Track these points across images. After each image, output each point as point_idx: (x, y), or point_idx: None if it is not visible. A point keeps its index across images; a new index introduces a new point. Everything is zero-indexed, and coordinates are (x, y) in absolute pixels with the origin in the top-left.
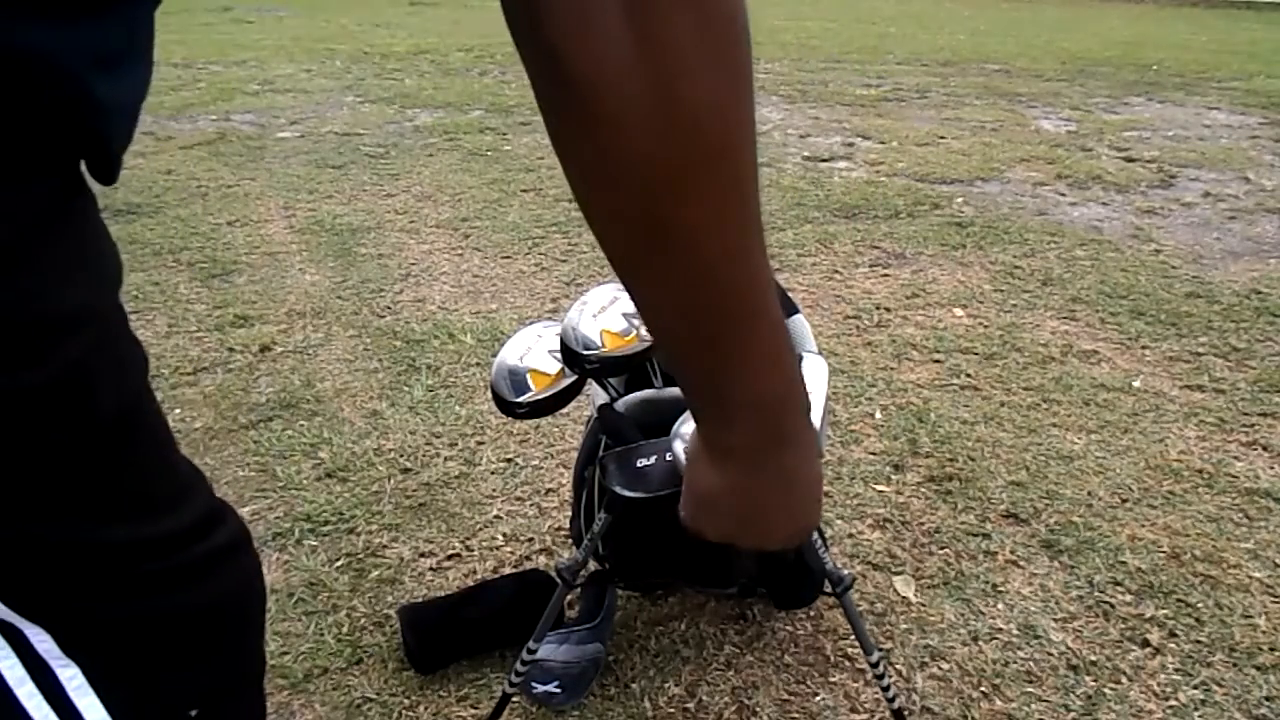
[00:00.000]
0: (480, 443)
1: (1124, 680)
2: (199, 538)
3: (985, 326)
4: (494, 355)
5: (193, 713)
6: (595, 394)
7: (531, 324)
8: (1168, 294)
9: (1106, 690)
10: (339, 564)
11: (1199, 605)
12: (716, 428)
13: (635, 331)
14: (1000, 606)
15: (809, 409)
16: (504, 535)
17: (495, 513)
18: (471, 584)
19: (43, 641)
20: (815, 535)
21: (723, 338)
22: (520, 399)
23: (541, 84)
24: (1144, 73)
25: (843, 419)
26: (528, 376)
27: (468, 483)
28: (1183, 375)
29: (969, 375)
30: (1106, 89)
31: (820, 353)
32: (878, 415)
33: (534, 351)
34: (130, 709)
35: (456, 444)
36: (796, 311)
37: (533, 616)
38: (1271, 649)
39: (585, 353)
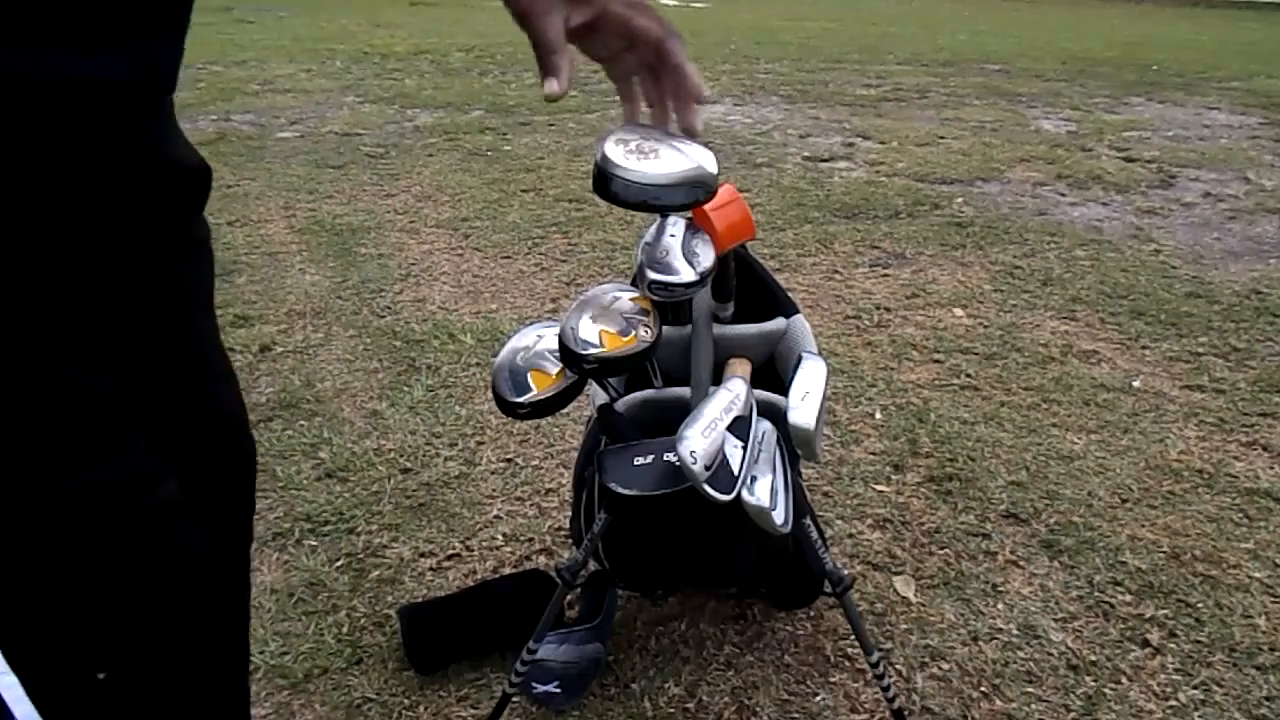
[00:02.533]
0: (480, 443)
1: (1124, 680)
2: (128, 492)
3: (985, 326)
4: (494, 355)
5: (100, 675)
6: (595, 394)
7: (532, 324)
8: (1168, 294)
9: (1106, 690)
10: (339, 564)
11: (1199, 605)
12: None
13: (634, 332)
14: (1000, 606)
15: None
16: (504, 535)
17: (495, 513)
18: (471, 584)
19: None
20: (815, 535)
21: None
22: (522, 399)
23: None
24: (1144, 73)
25: (843, 419)
26: (529, 376)
27: (468, 483)
28: (1183, 375)
29: (969, 375)
30: (1106, 89)
31: (820, 353)
32: (878, 415)
33: (535, 351)
34: (32, 661)
35: (456, 444)
36: (796, 311)
37: (533, 616)
38: (1271, 649)
39: (584, 353)
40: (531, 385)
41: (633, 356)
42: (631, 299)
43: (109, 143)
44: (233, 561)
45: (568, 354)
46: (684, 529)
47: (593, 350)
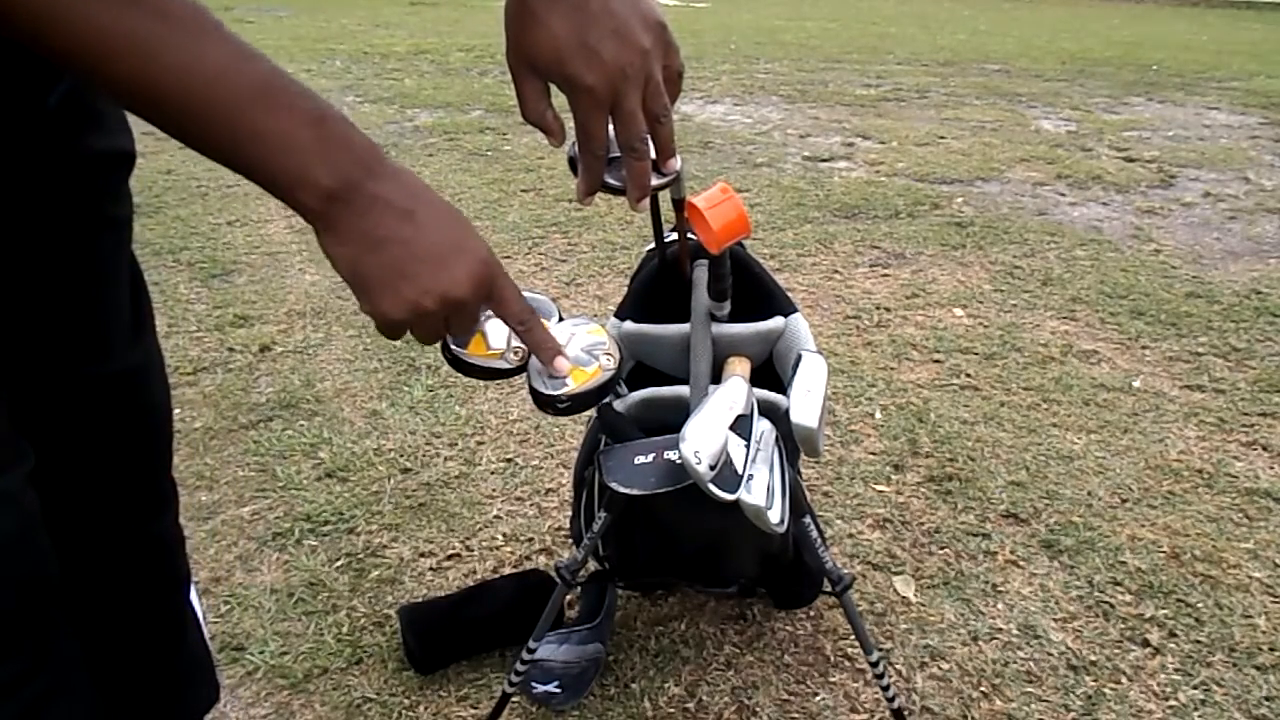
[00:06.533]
0: (480, 443)
1: (1124, 680)
2: None
3: (985, 326)
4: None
5: None
6: None
7: (562, 321)
8: (1168, 294)
9: (1106, 690)
10: (339, 564)
11: (1199, 605)
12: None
13: (596, 363)
14: (1000, 606)
15: (348, 166)
16: (504, 535)
17: (495, 513)
18: (471, 584)
19: None
20: (815, 534)
21: (129, 92)
22: (560, 393)
23: None
24: (1144, 73)
25: (843, 419)
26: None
27: (468, 483)
28: (1183, 375)
29: (969, 375)
30: (1106, 89)
31: (820, 352)
32: (878, 415)
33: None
34: None
35: (456, 444)
36: (795, 310)
37: (533, 616)
38: (1271, 649)
39: (556, 394)
40: (568, 380)
41: (601, 388)
42: (588, 331)
43: (14, 132)
44: (132, 535)
45: (540, 397)
46: (684, 528)
47: (564, 390)
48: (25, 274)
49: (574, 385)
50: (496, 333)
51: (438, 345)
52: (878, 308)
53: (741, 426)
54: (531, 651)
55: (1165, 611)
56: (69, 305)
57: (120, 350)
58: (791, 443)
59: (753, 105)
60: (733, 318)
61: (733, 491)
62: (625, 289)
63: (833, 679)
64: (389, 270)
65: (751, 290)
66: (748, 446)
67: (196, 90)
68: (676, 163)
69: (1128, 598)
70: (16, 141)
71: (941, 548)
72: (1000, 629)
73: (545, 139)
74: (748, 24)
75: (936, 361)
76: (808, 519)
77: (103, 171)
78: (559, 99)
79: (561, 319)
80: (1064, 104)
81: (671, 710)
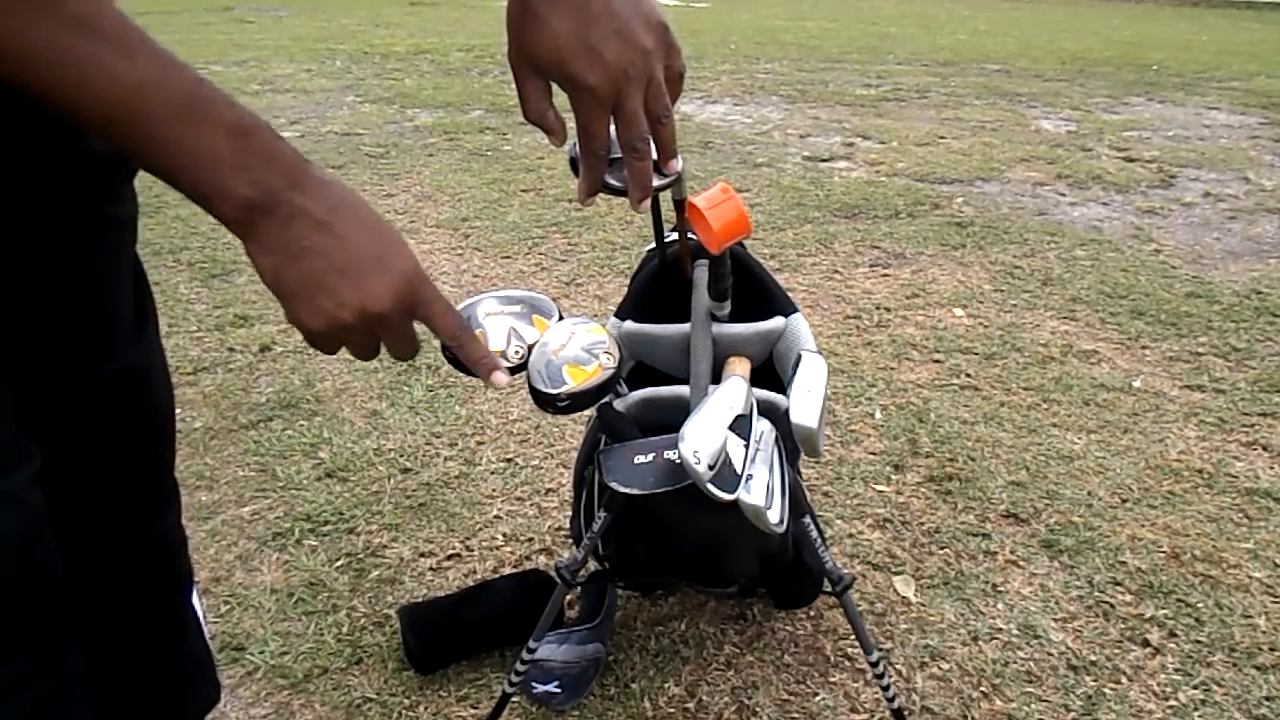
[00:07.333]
0: (480, 443)
1: (1124, 680)
2: None
3: (985, 326)
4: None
5: None
6: None
7: (563, 320)
8: (1168, 294)
9: (1106, 690)
10: (339, 564)
11: (1199, 605)
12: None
13: (596, 362)
14: (1000, 606)
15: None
16: (504, 535)
17: (495, 513)
18: (471, 584)
19: None
20: (815, 534)
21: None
22: (559, 391)
23: None
24: (1144, 73)
25: (843, 419)
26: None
27: (468, 483)
28: (1183, 375)
29: (969, 375)
30: (1106, 89)
31: (820, 352)
32: (878, 415)
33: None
34: None
35: (456, 444)
36: (795, 310)
37: (533, 616)
38: (1271, 649)
39: (556, 393)
40: (567, 379)
41: (601, 387)
42: (588, 330)
43: (15, 132)
44: (134, 535)
45: (540, 395)
46: (683, 528)
47: (564, 388)
48: (27, 273)
49: (573, 384)
50: (496, 332)
51: (438, 346)
52: (878, 308)
53: (741, 426)
54: (531, 651)
55: (1165, 611)
56: (71, 304)
57: (122, 350)
58: (791, 443)
59: (753, 105)
60: (733, 318)
61: (732, 491)
62: (625, 289)
63: (833, 679)
64: (308, 282)
65: (752, 290)
66: (747, 446)
67: (121, 103)
68: (678, 163)
69: (1128, 598)
70: (18, 141)
71: (941, 548)
72: (1000, 629)
73: (546, 139)
74: (748, 24)
75: (936, 361)
76: (808, 519)
77: (104, 171)
78: (560, 98)
79: (561, 318)
80: (1064, 104)
81: (671, 710)
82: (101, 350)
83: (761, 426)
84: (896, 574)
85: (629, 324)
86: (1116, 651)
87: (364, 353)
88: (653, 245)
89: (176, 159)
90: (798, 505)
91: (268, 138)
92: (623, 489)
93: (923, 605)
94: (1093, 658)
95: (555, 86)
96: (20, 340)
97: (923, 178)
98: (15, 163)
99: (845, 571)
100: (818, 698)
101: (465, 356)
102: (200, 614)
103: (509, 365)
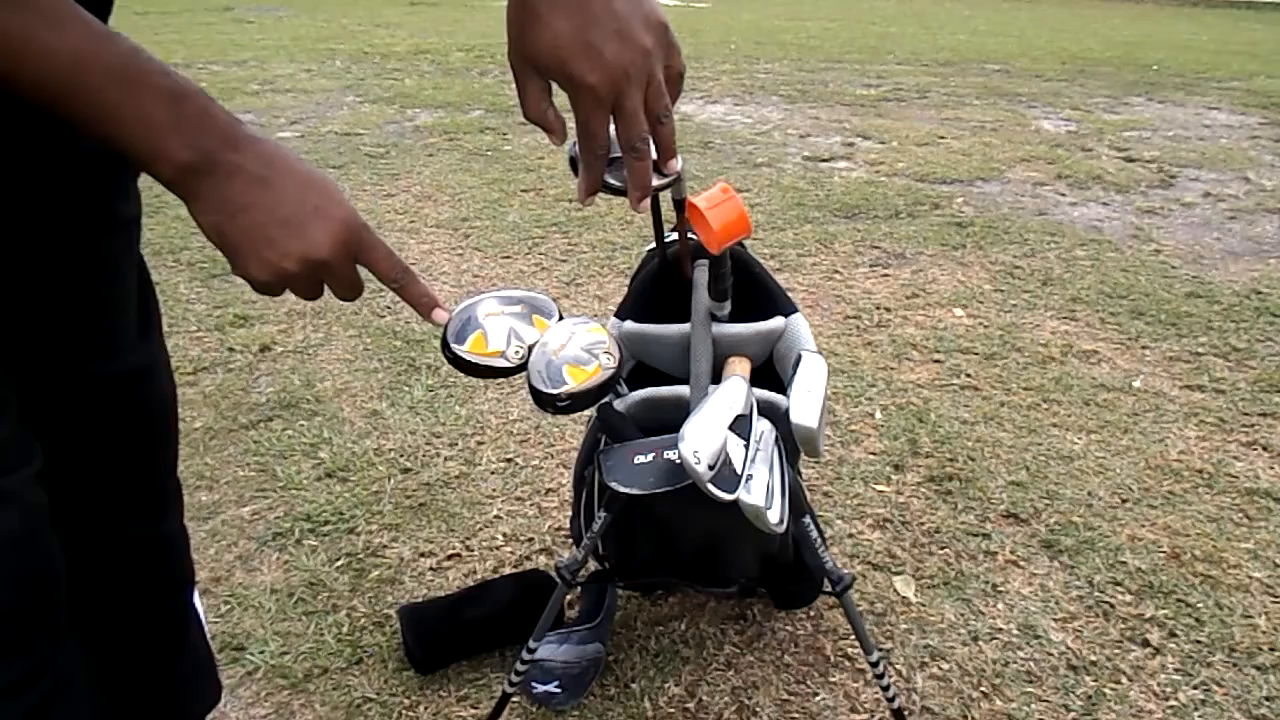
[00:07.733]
0: (480, 443)
1: (1124, 680)
2: None
3: (985, 326)
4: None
5: None
6: None
7: (563, 320)
8: (1168, 294)
9: (1106, 690)
10: (339, 564)
11: (1199, 605)
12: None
13: (596, 361)
14: (1000, 606)
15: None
16: (504, 535)
17: (495, 513)
18: (471, 584)
19: None
20: (815, 534)
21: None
22: (559, 391)
23: None
24: (1144, 73)
25: (843, 419)
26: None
27: (468, 483)
28: (1183, 375)
29: (969, 375)
30: (1106, 89)
31: (820, 352)
32: (878, 415)
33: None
34: None
35: (456, 444)
36: (795, 310)
37: (533, 616)
38: (1271, 649)
39: (556, 393)
40: (568, 379)
41: (601, 387)
42: (588, 330)
43: (20, 132)
44: (136, 535)
45: (540, 396)
46: (683, 528)
47: (564, 388)
48: (34, 273)
49: (574, 384)
50: (496, 332)
51: (438, 345)
52: (878, 308)
53: (741, 426)
54: (531, 651)
55: (1165, 611)
56: (77, 304)
57: (127, 350)
58: (791, 443)
59: (753, 105)
60: (733, 318)
61: (731, 491)
62: (625, 289)
63: (833, 679)
64: (250, 235)
65: (752, 290)
66: (747, 446)
67: (59, 74)
68: (677, 163)
69: (1128, 598)
70: (24, 141)
71: (941, 548)
72: (1000, 629)
73: (546, 138)
74: (748, 24)
75: (936, 361)
76: (808, 519)
77: (110, 170)
78: (560, 98)
79: (561, 318)
80: (1064, 104)
81: (671, 710)
82: (108, 350)
83: (761, 426)
84: (896, 574)
85: (629, 324)
86: (1116, 651)
87: (309, 294)
88: (653, 245)
89: (116, 126)
90: (798, 505)
91: (202, 102)
92: (623, 489)
93: (923, 605)
94: (1093, 658)
95: (555, 86)
96: (28, 339)
97: (923, 178)
98: (25, 161)
99: (845, 571)
100: (818, 698)
101: (407, 296)
102: (201, 613)
103: (508, 365)
